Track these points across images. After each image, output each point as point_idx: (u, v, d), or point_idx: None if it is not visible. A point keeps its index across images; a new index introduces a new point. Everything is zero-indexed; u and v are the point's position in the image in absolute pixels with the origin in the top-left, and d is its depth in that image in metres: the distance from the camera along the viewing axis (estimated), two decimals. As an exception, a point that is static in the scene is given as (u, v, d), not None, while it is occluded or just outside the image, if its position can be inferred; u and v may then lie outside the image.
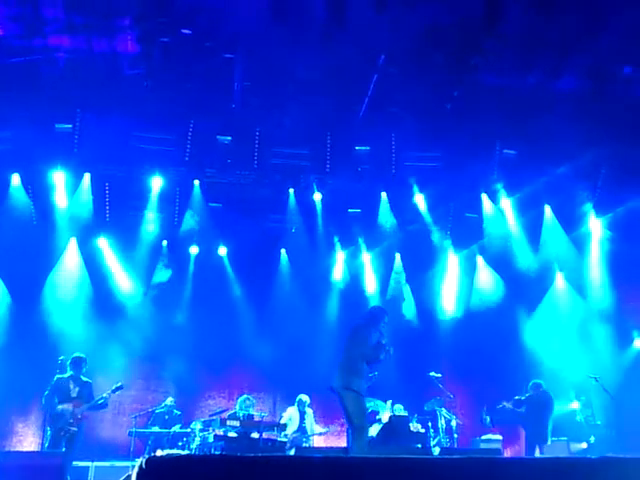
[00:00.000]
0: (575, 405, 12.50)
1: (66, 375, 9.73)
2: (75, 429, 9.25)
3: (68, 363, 9.89)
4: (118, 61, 11.31)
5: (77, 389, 9.57)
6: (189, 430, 10.67)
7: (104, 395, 9.83)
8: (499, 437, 11.37)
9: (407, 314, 14.28)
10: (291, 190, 13.32)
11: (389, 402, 11.48)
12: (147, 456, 3.80)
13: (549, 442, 10.92)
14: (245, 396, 11.52)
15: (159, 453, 9.70)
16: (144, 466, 3.55)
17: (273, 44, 10.56)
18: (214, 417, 10.34)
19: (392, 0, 9.74)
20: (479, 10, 10.25)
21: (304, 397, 11.71)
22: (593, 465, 4.20)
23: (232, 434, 9.83)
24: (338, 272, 14.37)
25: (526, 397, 11.24)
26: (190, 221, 13.09)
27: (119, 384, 10.15)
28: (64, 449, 9.09)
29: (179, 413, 11.90)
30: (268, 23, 10.03)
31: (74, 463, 9.70)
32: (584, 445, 11.91)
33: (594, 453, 11.17)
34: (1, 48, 10.87)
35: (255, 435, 10.11)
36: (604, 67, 11.80)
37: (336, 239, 14.15)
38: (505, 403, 11.26)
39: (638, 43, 10.45)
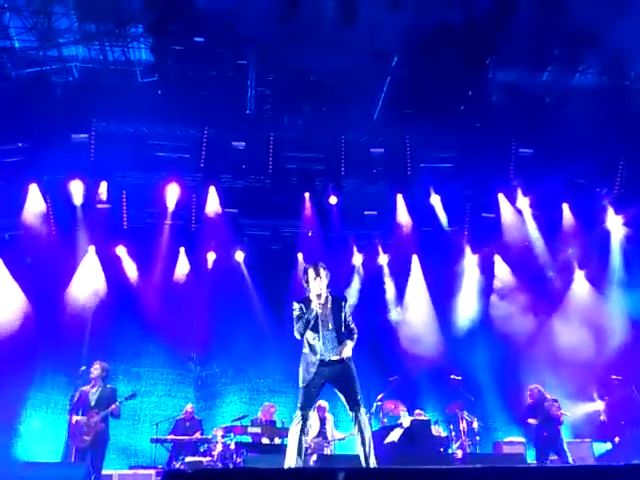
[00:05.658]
0: (599, 405, 12.32)
1: (88, 386, 9.69)
2: (88, 439, 9.20)
3: (90, 372, 9.87)
4: (132, 70, 11.39)
5: (96, 398, 9.51)
6: (210, 437, 10.64)
7: (115, 405, 9.56)
8: (522, 439, 11.21)
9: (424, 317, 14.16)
10: (306, 194, 13.28)
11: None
12: (166, 469, 3.79)
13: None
14: (266, 402, 11.47)
15: (179, 463, 9.64)
16: (164, 481, 3.53)
17: (285, 48, 10.56)
18: (235, 423, 10.29)
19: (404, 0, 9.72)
20: (491, 7, 10.20)
21: (323, 403, 11.62)
22: (620, 473, 4.11)
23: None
24: (356, 275, 14.30)
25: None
26: None
27: (131, 392, 10.12)
28: (89, 459, 9.06)
29: (200, 419, 11.88)
30: (280, 28, 10.03)
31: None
32: (609, 445, 11.75)
33: (618, 454, 11.03)
34: (16, 60, 11.01)
35: (277, 441, 10.07)
36: (620, 62, 11.69)
37: (352, 242, 14.11)
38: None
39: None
